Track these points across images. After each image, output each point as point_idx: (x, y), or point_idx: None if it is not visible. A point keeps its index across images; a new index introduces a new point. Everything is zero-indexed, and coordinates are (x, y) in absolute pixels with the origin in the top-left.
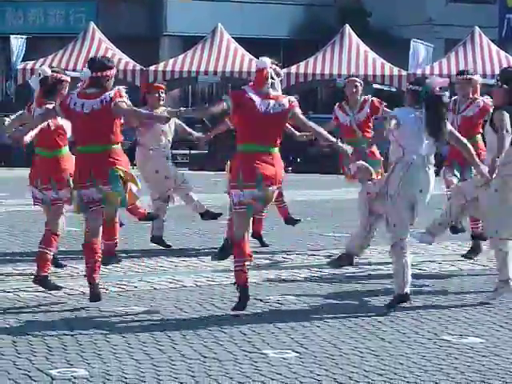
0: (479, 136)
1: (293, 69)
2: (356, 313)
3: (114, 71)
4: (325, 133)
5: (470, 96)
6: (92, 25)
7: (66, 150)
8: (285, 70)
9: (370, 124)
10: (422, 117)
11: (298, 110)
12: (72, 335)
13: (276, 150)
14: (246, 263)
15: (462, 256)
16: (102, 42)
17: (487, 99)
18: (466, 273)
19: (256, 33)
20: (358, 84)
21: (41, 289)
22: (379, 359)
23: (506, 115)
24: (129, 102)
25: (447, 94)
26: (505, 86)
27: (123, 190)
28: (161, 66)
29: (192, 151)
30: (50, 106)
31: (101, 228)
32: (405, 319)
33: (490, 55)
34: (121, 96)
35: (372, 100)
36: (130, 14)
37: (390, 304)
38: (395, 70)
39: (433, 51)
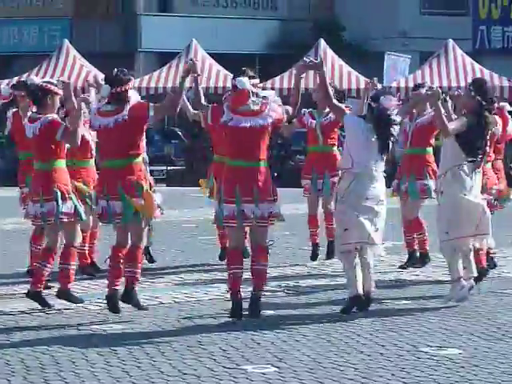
0: (430, 149)
1: (268, 83)
2: (335, 326)
3: (132, 83)
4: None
5: (428, 109)
6: (66, 42)
7: (61, 162)
8: (260, 85)
9: (336, 131)
10: (371, 131)
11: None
12: (50, 354)
13: (263, 163)
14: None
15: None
16: (76, 59)
17: None
18: (445, 284)
19: (230, 48)
20: None
21: (18, 308)
22: (358, 372)
23: (465, 121)
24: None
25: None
26: (478, 97)
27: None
28: (136, 83)
29: (169, 167)
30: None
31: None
32: (383, 332)
33: (464, 67)
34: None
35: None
36: (104, 31)
37: (345, 308)
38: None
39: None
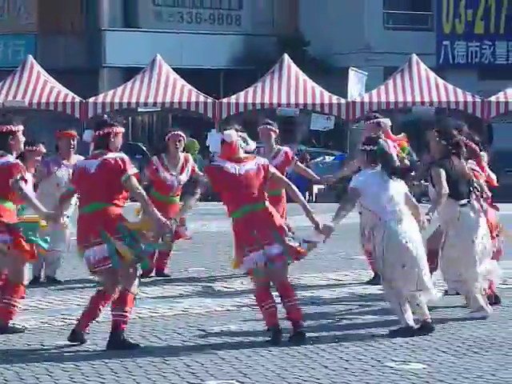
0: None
1: (233, 98)
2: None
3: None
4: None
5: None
6: (30, 58)
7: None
8: (225, 100)
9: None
10: (384, 174)
11: (273, 171)
12: (14, 370)
13: (267, 204)
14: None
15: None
16: (40, 74)
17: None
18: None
19: (195, 63)
20: (272, 132)
21: None
22: None
23: (443, 172)
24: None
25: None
26: (443, 141)
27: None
28: (100, 98)
29: None
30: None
31: None
32: (348, 347)
33: (427, 82)
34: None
35: (286, 152)
36: (68, 47)
37: (393, 333)
38: (334, 99)
39: (371, 79)
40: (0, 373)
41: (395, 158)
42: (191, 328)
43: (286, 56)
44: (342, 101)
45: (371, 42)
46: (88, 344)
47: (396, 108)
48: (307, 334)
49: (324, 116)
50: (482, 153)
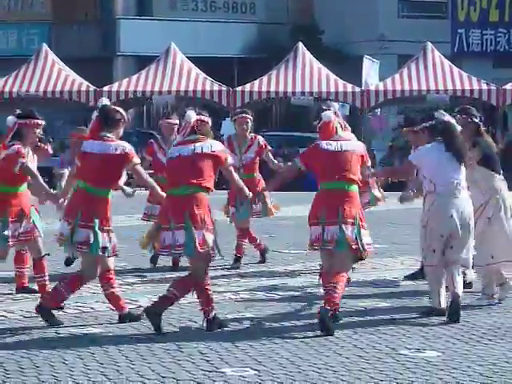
0: None
1: (247, 87)
2: (314, 329)
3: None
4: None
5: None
6: (45, 46)
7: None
8: (239, 88)
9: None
10: (443, 146)
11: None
12: (29, 357)
13: (354, 187)
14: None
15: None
16: (55, 63)
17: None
18: (423, 288)
19: (209, 52)
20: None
21: None
22: (337, 375)
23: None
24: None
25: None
26: (473, 121)
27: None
28: (114, 87)
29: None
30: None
31: None
32: (362, 334)
33: (442, 70)
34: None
35: (259, 140)
36: (82, 35)
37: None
38: (349, 87)
39: (386, 67)
40: (15, 360)
41: (457, 130)
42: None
43: (301, 44)
44: (357, 89)
45: (386, 31)
46: (103, 332)
47: (410, 96)
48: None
49: (338, 104)
50: None
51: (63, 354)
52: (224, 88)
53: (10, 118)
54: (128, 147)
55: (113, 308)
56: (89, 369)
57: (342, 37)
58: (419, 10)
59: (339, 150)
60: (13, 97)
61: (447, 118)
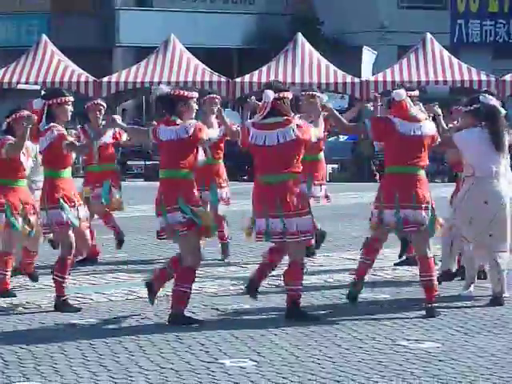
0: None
1: (246, 78)
2: (312, 320)
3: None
4: None
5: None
6: (44, 37)
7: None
8: (238, 79)
9: (222, 146)
10: (485, 132)
11: None
12: (27, 349)
13: (422, 172)
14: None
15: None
16: (54, 54)
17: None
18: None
19: (208, 42)
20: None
21: None
22: (336, 366)
23: None
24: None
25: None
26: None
27: None
28: (114, 77)
29: (147, 162)
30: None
31: None
32: (361, 325)
33: (441, 61)
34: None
35: None
36: (82, 26)
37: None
38: (348, 78)
39: (386, 58)
40: (14, 351)
41: (502, 112)
42: (206, 307)
43: (300, 35)
44: (356, 80)
45: (385, 21)
46: (102, 323)
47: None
48: (321, 313)
49: (338, 95)
50: None
51: (62, 345)
52: (223, 79)
53: (37, 101)
54: (193, 124)
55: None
56: (88, 360)
57: (342, 27)
58: (419, 0)
59: (414, 134)
60: (11, 87)
61: (493, 101)
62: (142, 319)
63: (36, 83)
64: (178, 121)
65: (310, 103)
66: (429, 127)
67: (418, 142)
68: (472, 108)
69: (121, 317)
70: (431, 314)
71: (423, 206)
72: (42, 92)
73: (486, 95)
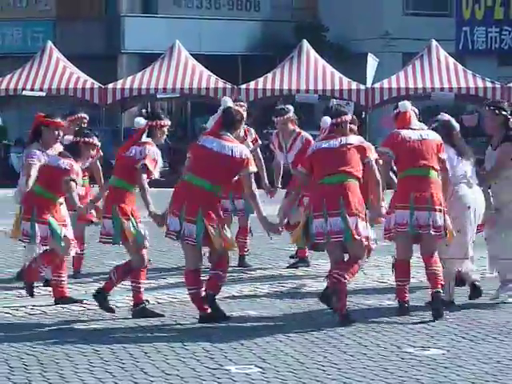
0: None
1: (251, 84)
2: (318, 327)
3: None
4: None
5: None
6: (50, 44)
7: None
8: (243, 86)
9: None
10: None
11: None
12: (33, 354)
13: (436, 174)
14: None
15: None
16: (59, 60)
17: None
18: (426, 285)
19: (213, 49)
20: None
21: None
22: (341, 372)
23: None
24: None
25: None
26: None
27: None
28: (119, 84)
29: None
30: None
31: None
32: (366, 332)
33: (447, 68)
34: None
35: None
36: (87, 33)
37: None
38: (353, 85)
39: (391, 65)
40: (19, 357)
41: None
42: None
43: (305, 42)
44: (362, 87)
45: (390, 28)
46: (108, 329)
47: (415, 94)
48: (327, 319)
49: (343, 102)
50: None
51: (67, 351)
52: (228, 85)
53: (140, 119)
54: (247, 153)
55: None
56: (93, 366)
57: (347, 34)
58: (424, 7)
59: (420, 138)
60: (17, 94)
61: (447, 117)
62: (147, 325)
63: (41, 90)
64: (231, 137)
65: None
66: (433, 134)
67: (424, 145)
68: (433, 127)
69: (126, 323)
70: (437, 298)
71: (437, 208)
72: (143, 111)
73: (443, 114)
